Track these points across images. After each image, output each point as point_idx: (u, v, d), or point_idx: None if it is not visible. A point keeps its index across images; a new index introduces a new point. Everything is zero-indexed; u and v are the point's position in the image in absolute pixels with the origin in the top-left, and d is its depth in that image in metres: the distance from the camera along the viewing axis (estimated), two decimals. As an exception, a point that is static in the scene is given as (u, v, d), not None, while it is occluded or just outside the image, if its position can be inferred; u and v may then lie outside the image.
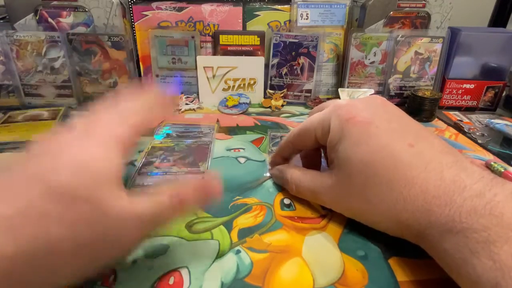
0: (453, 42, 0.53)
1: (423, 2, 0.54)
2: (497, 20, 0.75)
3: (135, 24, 0.54)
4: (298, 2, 0.55)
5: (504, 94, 0.57)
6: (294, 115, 0.52)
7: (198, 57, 0.54)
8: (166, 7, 0.54)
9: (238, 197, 0.31)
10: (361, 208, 0.25)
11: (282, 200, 0.31)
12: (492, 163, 0.35)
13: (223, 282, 0.23)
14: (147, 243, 0.26)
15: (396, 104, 0.27)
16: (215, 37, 0.55)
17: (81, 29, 0.51)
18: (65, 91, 0.52)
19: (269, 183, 0.34)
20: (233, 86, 0.56)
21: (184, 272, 0.23)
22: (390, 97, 0.56)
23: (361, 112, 0.25)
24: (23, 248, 0.16)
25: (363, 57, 0.55)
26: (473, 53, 0.54)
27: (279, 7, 0.56)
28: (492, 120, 0.50)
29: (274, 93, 0.55)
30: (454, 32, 0.53)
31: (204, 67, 0.54)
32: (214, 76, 0.55)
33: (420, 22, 0.55)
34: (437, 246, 0.21)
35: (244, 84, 0.56)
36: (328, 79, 0.59)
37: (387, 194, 0.22)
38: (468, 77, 0.55)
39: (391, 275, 0.24)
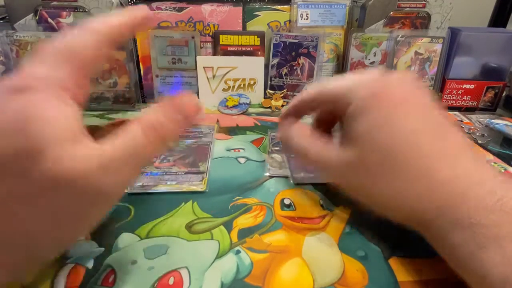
0: (453, 42, 0.53)
1: (423, 2, 0.54)
2: (497, 20, 0.75)
3: (135, 24, 0.54)
4: (298, 2, 0.55)
5: (504, 94, 0.57)
6: (294, 115, 0.52)
7: (198, 57, 0.54)
8: (166, 7, 0.54)
9: (238, 197, 0.31)
10: (370, 188, 0.24)
11: (282, 200, 0.31)
12: (492, 163, 0.35)
13: (223, 282, 0.23)
14: (147, 243, 0.26)
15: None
16: (215, 37, 0.55)
17: (81, 29, 0.51)
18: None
19: (269, 183, 0.34)
20: (233, 86, 0.56)
21: (184, 272, 0.23)
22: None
23: (393, 89, 0.23)
24: None
25: (363, 57, 0.55)
26: (473, 53, 0.54)
27: (279, 7, 0.56)
28: (492, 120, 0.50)
29: (274, 93, 0.55)
30: (454, 32, 0.53)
31: (204, 67, 0.54)
32: (214, 76, 0.55)
33: (420, 22, 0.55)
34: (443, 239, 0.20)
35: (244, 84, 0.56)
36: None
37: (401, 180, 0.22)
38: (468, 77, 0.55)
39: (391, 275, 0.24)
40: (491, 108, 0.56)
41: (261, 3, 0.56)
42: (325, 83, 0.27)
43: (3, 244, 0.17)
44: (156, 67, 0.55)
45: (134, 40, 0.55)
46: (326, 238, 0.27)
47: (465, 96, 0.55)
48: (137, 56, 0.56)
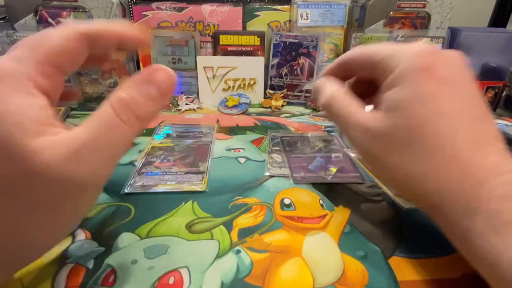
0: (453, 42, 0.53)
1: (423, 2, 0.54)
2: (497, 20, 0.75)
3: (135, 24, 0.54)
4: (298, 2, 0.55)
5: (504, 94, 0.57)
6: (294, 115, 0.52)
7: (198, 57, 0.54)
8: (166, 7, 0.54)
9: (238, 197, 0.31)
10: (390, 160, 0.23)
11: (282, 200, 0.31)
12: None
13: (223, 282, 0.23)
14: (147, 243, 0.26)
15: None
16: (215, 37, 0.55)
17: (81, 29, 0.51)
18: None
19: (269, 183, 0.34)
20: (233, 86, 0.56)
21: (184, 272, 0.23)
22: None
23: (443, 66, 0.22)
24: None
25: (363, 57, 0.55)
26: (473, 53, 0.54)
27: (279, 7, 0.56)
28: (492, 120, 0.50)
29: (274, 93, 0.55)
30: (454, 32, 0.53)
31: (204, 67, 0.54)
32: (214, 76, 0.55)
33: (420, 22, 0.55)
34: (455, 223, 0.20)
35: (244, 84, 0.56)
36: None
37: (425, 159, 0.21)
38: (468, 77, 0.55)
39: (391, 275, 0.24)
40: (491, 108, 0.56)
41: (261, 3, 0.56)
42: (370, 46, 0.26)
43: None
44: (156, 67, 0.55)
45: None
46: (326, 238, 0.27)
47: (465, 96, 0.55)
48: (137, 56, 0.56)
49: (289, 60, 0.55)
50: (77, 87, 0.52)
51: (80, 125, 0.17)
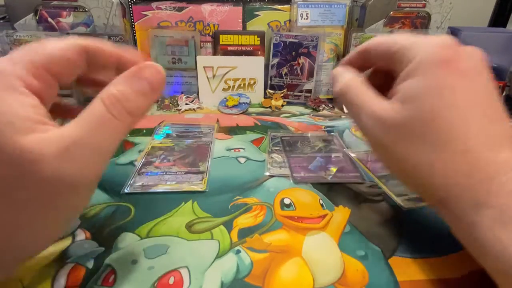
0: (453, 42, 0.53)
1: (423, 2, 0.54)
2: (497, 20, 0.75)
3: (135, 24, 0.54)
4: (298, 2, 0.55)
5: (504, 94, 0.57)
6: (294, 115, 0.52)
7: (198, 57, 0.54)
8: (166, 7, 0.54)
9: (238, 197, 0.31)
10: (400, 151, 0.22)
11: (282, 200, 0.31)
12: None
13: (223, 282, 0.23)
14: (147, 243, 0.26)
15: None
16: (215, 37, 0.55)
17: (81, 29, 0.51)
18: (65, 91, 0.52)
19: (269, 183, 0.34)
20: (233, 86, 0.56)
21: (184, 272, 0.23)
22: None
23: (463, 61, 0.22)
24: None
25: (363, 57, 0.55)
26: (473, 53, 0.54)
27: (279, 7, 0.56)
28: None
29: (274, 93, 0.55)
30: (454, 32, 0.53)
31: (204, 67, 0.54)
32: (214, 76, 0.55)
33: (420, 22, 0.55)
34: (461, 217, 0.20)
35: (244, 84, 0.56)
36: (328, 79, 0.59)
37: (435, 152, 0.21)
38: (468, 77, 0.55)
39: (391, 275, 0.24)
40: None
41: (261, 3, 0.56)
42: (388, 35, 0.26)
43: None
44: (156, 67, 0.55)
45: (134, 40, 0.55)
46: (326, 237, 0.27)
47: (465, 96, 0.55)
48: (137, 56, 0.56)
49: (289, 60, 0.55)
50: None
51: (71, 122, 0.17)
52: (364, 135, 0.26)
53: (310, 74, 0.56)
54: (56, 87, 0.20)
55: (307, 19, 0.56)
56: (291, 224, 0.28)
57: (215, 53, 0.56)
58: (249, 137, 0.44)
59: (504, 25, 0.74)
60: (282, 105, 0.54)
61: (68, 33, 0.50)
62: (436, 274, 0.24)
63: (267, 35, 0.55)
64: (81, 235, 0.26)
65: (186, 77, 0.56)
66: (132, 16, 0.54)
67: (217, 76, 0.55)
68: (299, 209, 0.30)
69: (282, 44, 0.55)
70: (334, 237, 0.27)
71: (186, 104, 0.53)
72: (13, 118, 0.16)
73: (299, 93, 0.57)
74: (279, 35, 0.54)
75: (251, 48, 0.55)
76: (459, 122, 0.21)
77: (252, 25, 0.56)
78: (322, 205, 0.31)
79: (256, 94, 0.56)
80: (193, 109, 0.53)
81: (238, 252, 0.25)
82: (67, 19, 0.51)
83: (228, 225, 0.28)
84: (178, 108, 0.52)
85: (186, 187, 0.32)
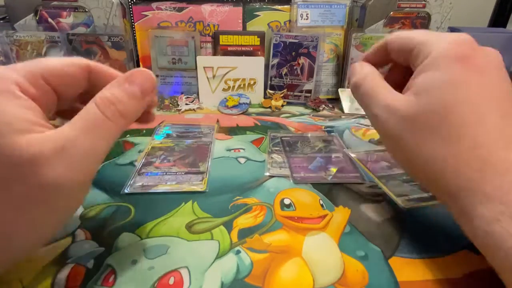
0: (453, 42, 0.53)
1: (423, 2, 0.54)
2: (497, 20, 0.75)
3: (135, 24, 0.54)
4: (298, 2, 0.55)
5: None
6: (294, 115, 0.52)
7: (198, 57, 0.54)
8: (166, 7, 0.54)
9: (238, 197, 0.31)
10: (412, 142, 0.23)
11: (282, 200, 0.31)
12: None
13: (223, 282, 0.23)
14: (147, 243, 0.26)
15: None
16: (215, 37, 0.55)
17: (81, 29, 0.51)
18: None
19: (269, 183, 0.34)
20: (233, 86, 0.56)
21: (184, 272, 0.23)
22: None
23: (480, 57, 0.22)
24: None
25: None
26: (473, 53, 0.54)
27: (279, 7, 0.56)
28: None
29: (274, 93, 0.55)
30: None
31: (204, 67, 0.54)
32: (214, 76, 0.55)
33: (420, 22, 0.55)
34: (472, 212, 0.20)
35: (244, 84, 0.56)
36: (328, 79, 0.59)
37: (447, 146, 0.21)
38: (468, 77, 0.55)
39: (391, 275, 0.24)
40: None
41: (261, 3, 0.56)
42: (406, 31, 0.26)
43: None
44: (156, 67, 0.55)
45: (134, 40, 0.55)
46: (326, 238, 0.27)
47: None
48: (137, 56, 0.56)
49: (289, 60, 0.55)
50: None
51: (66, 124, 0.18)
52: (376, 128, 0.26)
53: (310, 75, 0.56)
54: (55, 98, 0.21)
55: (307, 19, 0.56)
56: (291, 224, 0.28)
57: (215, 53, 0.56)
58: (249, 138, 0.44)
59: (504, 25, 0.74)
60: (282, 105, 0.54)
61: (68, 34, 0.50)
62: (436, 274, 0.24)
63: (267, 36, 0.55)
64: (81, 235, 0.26)
65: (186, 77, 0.56)
66: (132, 16, 0.54)
67: (217, 77, 0.55)
68: (299, 209, 0.30)
69: (282, 45, 0.55)
70: (334, 238, 0.27)
71: (186, 104, 0.53)
72: (10, 119, 0.16)
73: (299, 93, 0.57)
74: (279, 35, 0.54)
75: (251, 49, 0.56)
76: (472, 118, 0.21)
77: (252, 26, 0.56)
78: (322, 205, 0.31)
79: (256, 95, 0.56)
80: (193, 109, 0.53)
81: (238, 252, 0.25)
82: (67, 20, 0.51)
83: (228, 226, 0.28)
84: (178, 108, 0.52)
85: (186, 187, 0.32)
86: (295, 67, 0.56)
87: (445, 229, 0.28)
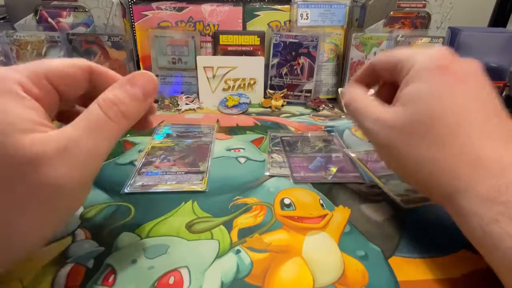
0: (453, 42, 0.53)
1: (423, 2, 0.54)
2: (497, 20, 0.75)
3: (135, 24, 0.54)
4: (298, 2, 0.55)
5: (504, 94, 0.57)
6: (294, 115, 0.52)
7: (198, 57, 0.54)
8: (166, 7, 0.54)
9: (238, 197, 0.31)
10: (404, 150, 0.24)
11: (282, 200, 0.31)
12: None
13: (223, 281, 0.23)
14: (147, 243, 0.26)
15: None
16: (215, 37, 0.55)
17: (81, 29, 0.51)
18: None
19: (269, 183, 0.34)
20: (233, 86, 0.56)
21: (184, 272, 0.23)
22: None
23: (459, 67, 0.23)
24: None
25: (363, 57, 0.55)
26: (473, 53, 0.54)
27: (279, 7, 0.56)
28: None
29: (274, 93, 0.55)
30: (454, 32, 0.53)
31: (204, 67, 0.54)
32: (214, 76, 0.55)
33: (420, 22, 0.55)
34: (467, 212, 0.20)
35: (244, 84, 0.56)
36: (328, 79, 0.59)
37: (437, 151, 0.22)
38: (468, 77, 0.55)
39: (391, 275, 0.24)
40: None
41: (261, 3, 0.56)
42: (391, 51, 0.28)
43: None
44: (156, 67, 0.55)
45: (134, 40, 0.55)
46: (326, 237, 0.27)
47: (465, 96, 0.55)
48: (137, 56, 0.56)
49: (289, 60, 0.55)
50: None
51: (68, 125, 0.18)
52: (369, 140, 0.27)
53: (310, 74, 0.56)
54: (57, 98, 0.21)
55: (307, 19, 0.56)
56: (291, 224, 0.28)
57: (215, 53, 0.56)
58: (249, 137, 0.44)
59: (504, 25, 0.74)
60: (282, 105, 0.54)
61: (68, 33, 0.50)
62: (436, 274, 0.24)
63: (267, 35, 0.55)
64: (81, 235, 0.26)
65: (186, 77, 0.56)
66: (132, 16, 0.54)
67: (217, 76, 0.55)
68: (299, 209, 0.30)
69: (282, 44, 0.55)
70: (334, 237, 0.27)
71: (186, 104, 0.53)
72: (13, 119, 0.17)
73: (299, 93, 0.57)
74: (279, 35, 0.54)
75: (251, 48, 0.56)
76: (458, 122, 0.22)
77: (252, 25, 0.56)
78: (322, 205, 0.31)
79: (256, 94, 0.56)
80: (193, 109, 0.53)
81: (238, 252, 0.25)
82: (67, 19, 0.51)
83: (228, 225, 0.28)
84: (178, 108, 0.52)
85: (186, 187, 0.32)
86: (295, 67, 0.56)
87: (445, 229, 0.28)
